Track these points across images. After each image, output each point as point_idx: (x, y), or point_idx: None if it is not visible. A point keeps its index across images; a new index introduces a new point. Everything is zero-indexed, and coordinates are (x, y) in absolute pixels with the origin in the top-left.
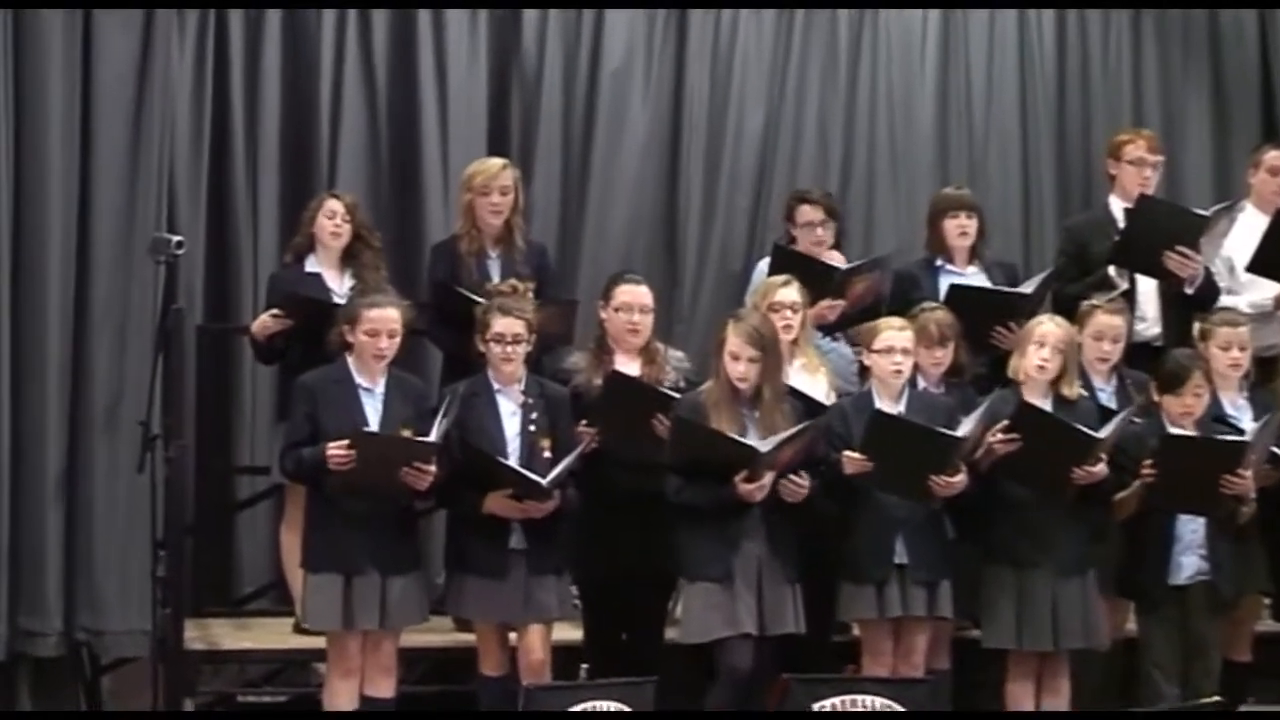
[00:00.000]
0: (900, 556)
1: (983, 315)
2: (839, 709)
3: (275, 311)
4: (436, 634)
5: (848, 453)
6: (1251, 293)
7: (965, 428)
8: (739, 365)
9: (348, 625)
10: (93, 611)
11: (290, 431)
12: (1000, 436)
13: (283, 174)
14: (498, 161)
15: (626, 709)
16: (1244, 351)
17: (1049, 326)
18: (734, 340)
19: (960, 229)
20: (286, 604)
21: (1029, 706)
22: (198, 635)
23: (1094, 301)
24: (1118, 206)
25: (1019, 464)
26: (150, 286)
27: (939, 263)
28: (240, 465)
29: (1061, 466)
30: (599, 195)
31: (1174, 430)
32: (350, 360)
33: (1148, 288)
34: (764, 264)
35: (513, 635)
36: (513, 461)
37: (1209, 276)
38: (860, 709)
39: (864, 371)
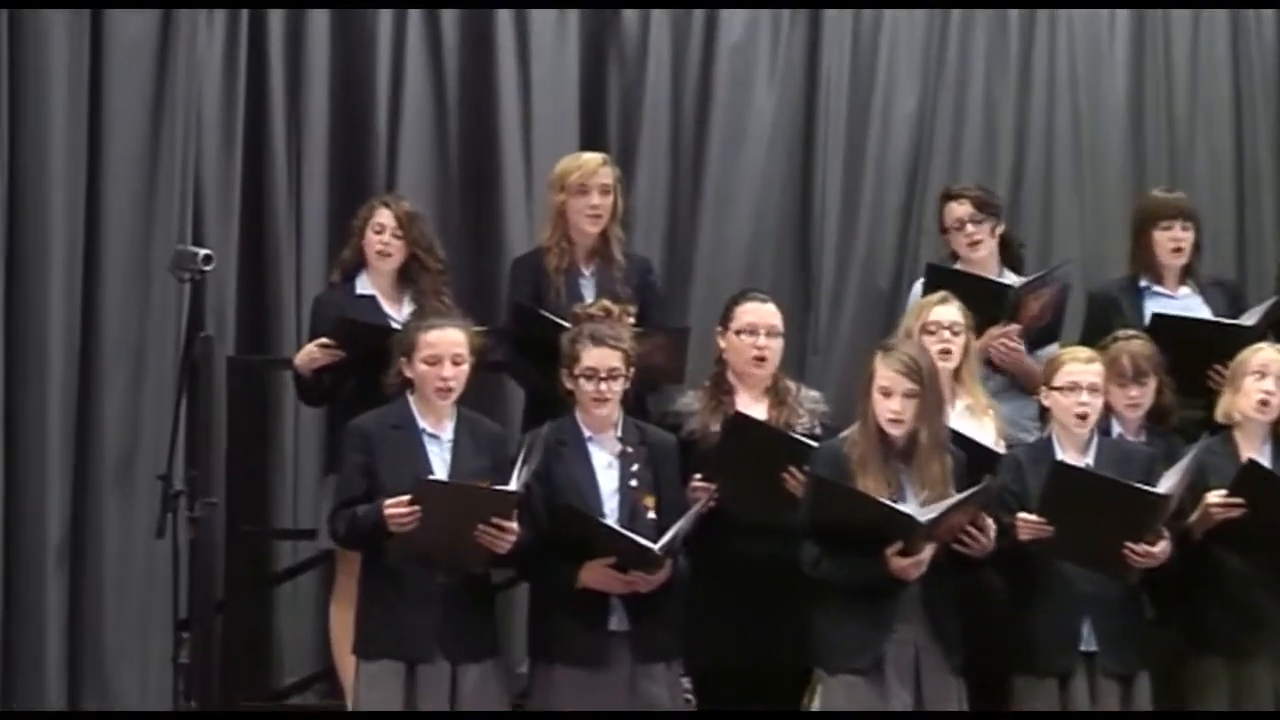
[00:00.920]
0: (1088, 643)
1: (1194, 350)
2: None
3: (323, 341)
4: None
5: (1022, 515)
6: None
7: (1167, 483)
8: (890, 405)
9: None
10: (102, 703)
11: (341, 487)
12: (1218, 500)
13: (332, 175)
14: (596, 156)
15: None
16: None
17: (1270, 354)
18: (884, 374)
19: (1174, 243)
20: (336, 697)
21: None
22: None
23: None
24: None
25: (1240, 531)
26: (172, 310)
27: (1144, 283)
28: (281, 528)
29: None
30: (715, 198)
31: None
32: (412, 401)
33: None
34: (919, 284)
35: None
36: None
37: None
38: None
39: (1043, 414)
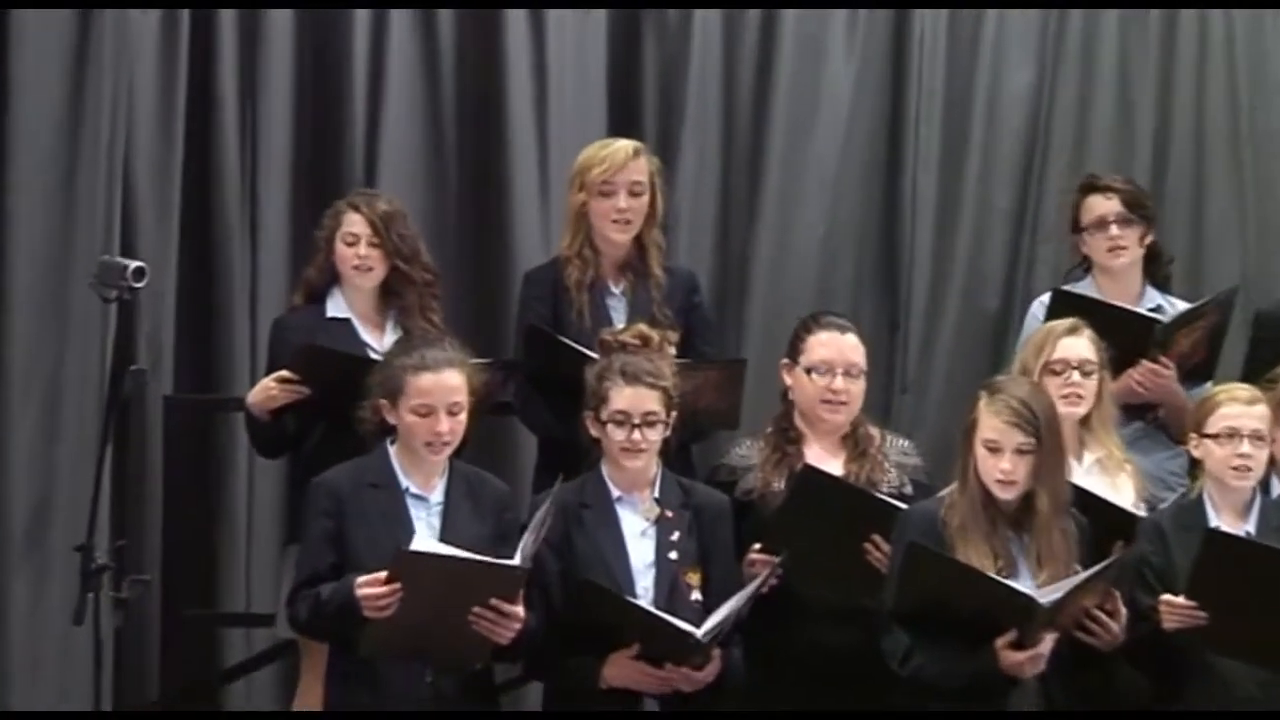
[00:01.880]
0: None
1: None
2: None
3: (284, 374)
4: None
5: (1167, 597)
6: None
7: None
8: (999, 464)
9: None
10: None
11: (304, 560)
12: None
13: (296, 170)
14: (626, 145)
15: None
16: None
17: None
18: (990, 424)
19: None
20: None
21: None
22: None
23: None
24: None
25: None
26: (95, 337)
27: None
28: (230, 612)
29: None
30: (779, 198)
31: None
32: (392, 451)
33: None
34: (1040, 305)
35: None
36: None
37: None
38: None
39: (1193, 466)
